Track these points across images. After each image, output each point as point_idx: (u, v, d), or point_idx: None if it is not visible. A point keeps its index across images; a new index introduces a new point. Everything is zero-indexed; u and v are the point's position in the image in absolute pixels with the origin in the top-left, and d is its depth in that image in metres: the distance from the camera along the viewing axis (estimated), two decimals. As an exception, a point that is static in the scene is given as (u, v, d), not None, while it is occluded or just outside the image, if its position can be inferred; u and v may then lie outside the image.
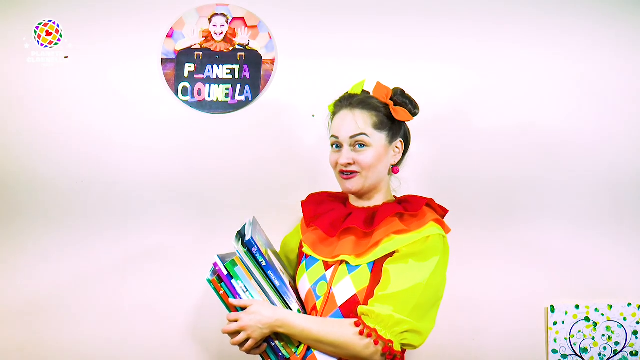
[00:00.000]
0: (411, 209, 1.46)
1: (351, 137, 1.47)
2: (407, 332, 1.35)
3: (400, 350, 1.36)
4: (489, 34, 1.90)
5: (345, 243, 1.47)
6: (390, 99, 1.51)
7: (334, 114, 1.55)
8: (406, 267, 1.38)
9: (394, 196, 1.58)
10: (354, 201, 1.56)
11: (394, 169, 1.55)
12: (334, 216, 1.53)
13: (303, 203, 1.62)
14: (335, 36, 1.91)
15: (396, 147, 1.52)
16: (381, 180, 1.52)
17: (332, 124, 1.54)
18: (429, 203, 1.51)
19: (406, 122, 1.55)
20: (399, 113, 1.49)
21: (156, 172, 1.92)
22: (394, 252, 1.42)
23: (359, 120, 1.47)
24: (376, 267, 1.42)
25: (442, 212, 1.52)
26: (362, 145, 1.47)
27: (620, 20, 1.88)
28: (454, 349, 1.87)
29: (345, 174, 1.49)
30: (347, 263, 1.45)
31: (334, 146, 1.52)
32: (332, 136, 1.51)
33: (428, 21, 1.91)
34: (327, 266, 1.49)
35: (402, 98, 1.52)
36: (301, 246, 1.60)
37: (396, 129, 1.52)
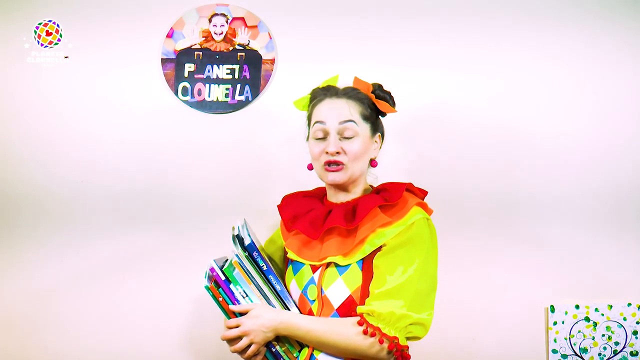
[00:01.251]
0: (391, 199, 1.44)
1: (340, 123, 1.45)
2: (410, 326, 1.35)
3: (406, 344, 1.36)
4: (491, 40, 1.89)
5: (330, 244, 1.44)
6: (371, 92, 1.51)
7: (314, 103, 1.52)
8: (397, 260, 1.37)
9: (371, 185, 1.57)
10: (332, 197, 1.53)
11: (372, 162, 1.53)
12: (313, 216, 1.49)
13: (279, 207, 1.59)
14: (335, 36, 1.91)
15: (375, 141, 1.52)
16: (363, 172, 1.51)
17: (314, 112, 1.51)
18: (409, 188, 1.49)
19: (382, 121, 1.56)
20: (382, 105, 1.50)
21: (156, 172, 1.91)
22: (381, 247, 1.40)
23: (350, 108, 1.46)
24: (366, 264, 1.40)
25: (421, 194, 1.51)
26: (349, 134, 1.45)
27: (621, 24, 1.88)
28: (454, 349, 1.87)
29: (332, 165, 1.45)
30: (336, 264, 1.43)
31: (317, 137, 1.48)
32: (318, 122, 1.47)
33: (431, 26, 1.90)
34: (314, 269, 1.46)
35: (381, 93, 1.53)
36: (286, 251, 1.56)
37: (377, 123, 1.53)
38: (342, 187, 1.50)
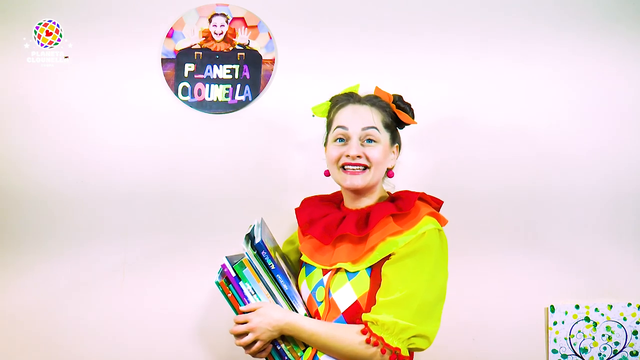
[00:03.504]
0: (404, 207, 1.44)
1: (363, 129, 1.46)
2: (413, 337, 1.35)
3: (408, 355, 1.36)
4: (488, 46, 1.90)
5: (341, 250, 1.45)
6: (392, 102, 1.53)
7: (337, 108, 1.53)
8: (405, 270, 1.37)
9: (388, 192, 1.57)
10: (349, 203, 1.54)
11: (389, 172, 1.55)
12: (327, 222, 1.50)
13: (297, 210, 1.60)
14: (336, 36, 1.91)
15: (393, 151, 1.53)
16: (379, 180, 1.51)
17: (337, 117, 1.51)
18: (422, 197, 1.49)
19: (399, 133, 1.56)
20: (403, 115, 1.51)
21: (156, 173, 1.91)
22: (390, 255, 1.40)
23: (373, 114, 1.47)
24: (375, 271, 1.41)
25: (436, 204, 1.51)
26: (370, 140, 1.46)
27: (620, 27, 1.88)
28: (455, 349, 1.87)
29: (352, 167, 1.46)
30: (345, 270, 1.43)
31: (338, 140, 1.49)
32: (340, 127, 1.48)
33: (436, 34, 1.91)
34: (325, 271, 1.48)
35: (402, 104, 1.54)
36: (301, 253, 1.58)
37: (396, 133, 1.54)
38: (358, 193, 1.50)
